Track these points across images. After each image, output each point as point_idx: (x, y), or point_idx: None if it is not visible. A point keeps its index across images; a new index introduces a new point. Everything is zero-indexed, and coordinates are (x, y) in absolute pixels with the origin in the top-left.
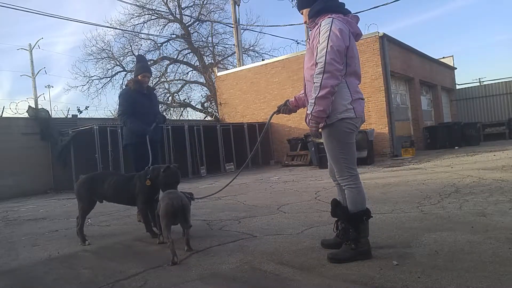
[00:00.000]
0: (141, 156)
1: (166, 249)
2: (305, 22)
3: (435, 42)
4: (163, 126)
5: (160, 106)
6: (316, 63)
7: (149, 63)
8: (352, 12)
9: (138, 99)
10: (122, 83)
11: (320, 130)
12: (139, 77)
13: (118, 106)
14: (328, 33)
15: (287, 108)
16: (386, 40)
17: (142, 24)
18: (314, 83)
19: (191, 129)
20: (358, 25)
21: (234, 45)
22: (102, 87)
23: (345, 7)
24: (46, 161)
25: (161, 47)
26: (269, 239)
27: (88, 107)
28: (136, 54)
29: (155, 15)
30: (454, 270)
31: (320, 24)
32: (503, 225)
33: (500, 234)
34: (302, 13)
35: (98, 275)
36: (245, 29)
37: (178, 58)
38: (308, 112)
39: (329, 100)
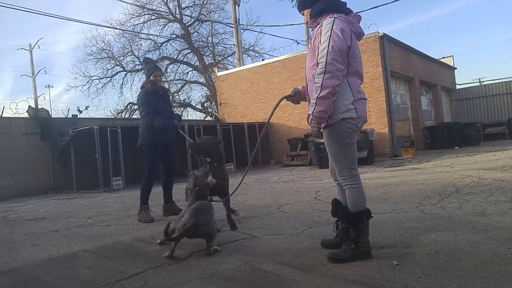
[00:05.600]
0: (156, 157)
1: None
2: (307, 23)
3: (435, 42)
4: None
5: None
6: (317, 63)
7: None
8: (353, 12)
9: (156, 100)
10: (122, 83)
11: (321, 130)
12: (151, 77)
13: (139, 107)
14: (330, 33)
15: (299, 95)
16: (386, 40)
17: (142, 24)
18: (315, 83)
19: (191, 129)
20: (360, 24)
21: (234, 45)
22: (102, 87)
23: (347, 6)
24: (46, 161)
25: (161, 47)
26: (269, 239)
27: (88, 107)
28: (137, 54)
29: (155, 15)
30: (454, 270)
31: (322, 24)
32: (503, 225)
33: (500, 234)
34: (303, 14)
35: (98, 275)
36: (245, 29)
37: (178, 58)
38: (310, 112)
39: (331, 101)
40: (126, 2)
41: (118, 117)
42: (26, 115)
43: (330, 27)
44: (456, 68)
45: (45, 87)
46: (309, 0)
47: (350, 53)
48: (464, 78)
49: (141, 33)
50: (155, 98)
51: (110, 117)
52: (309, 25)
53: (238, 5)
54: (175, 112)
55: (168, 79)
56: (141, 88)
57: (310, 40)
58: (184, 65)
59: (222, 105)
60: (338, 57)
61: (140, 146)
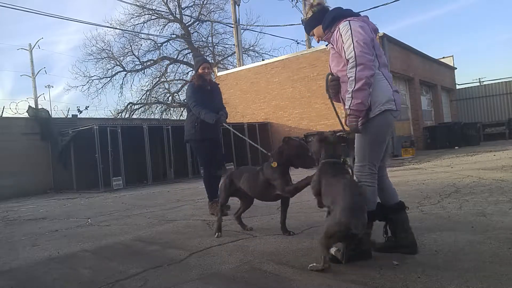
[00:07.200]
0: (205, 151)
1: (166, 249)
2: (318, 40)
3: (435, 42)
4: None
5: (160, 106)
6: (347, 60)
7: (149, 63)
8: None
9: (201, 96)
10: (122, 83)
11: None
12: (199, 70)
13: (188, 101)
14: (350, 31)
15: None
16: (386, 40)
17: (142, 24)
18: (348, 78)
19: None
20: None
21: (234, 45)
22: (102, 87)
23: (354, 12)
24: (46, 161)
25: (161, 47)
26: (269, 239)
27: (88, 107)
28: (137, 54)
29: (155, 15)
30: (454, 270)
31: (339, 28)
32: (503, 225)
33: (500, 234)
34: (313, 34)
35: (98, 275)
36: (245, 29)
37: (178, 58)
38: (346, 107)
39: (367, 92)
40: (126, 2)
41: (118, 117)
42: (26, 115)
43: (349, 27)
44: (456, 68)
45: (45, 87)
46: (316, 19)
47: (374, 45)
48: (464, 78)
49: (141, 33)
50: (201, 93)
51: (110, 117)
52: (323, 39)
53: (238, 5)
54: (223, 109)
55: (168, 79)
56: (190, 82)
57: (332, 46)
58: (184, 65)
59: None
60: (365, 49)
61: (186, 141)
